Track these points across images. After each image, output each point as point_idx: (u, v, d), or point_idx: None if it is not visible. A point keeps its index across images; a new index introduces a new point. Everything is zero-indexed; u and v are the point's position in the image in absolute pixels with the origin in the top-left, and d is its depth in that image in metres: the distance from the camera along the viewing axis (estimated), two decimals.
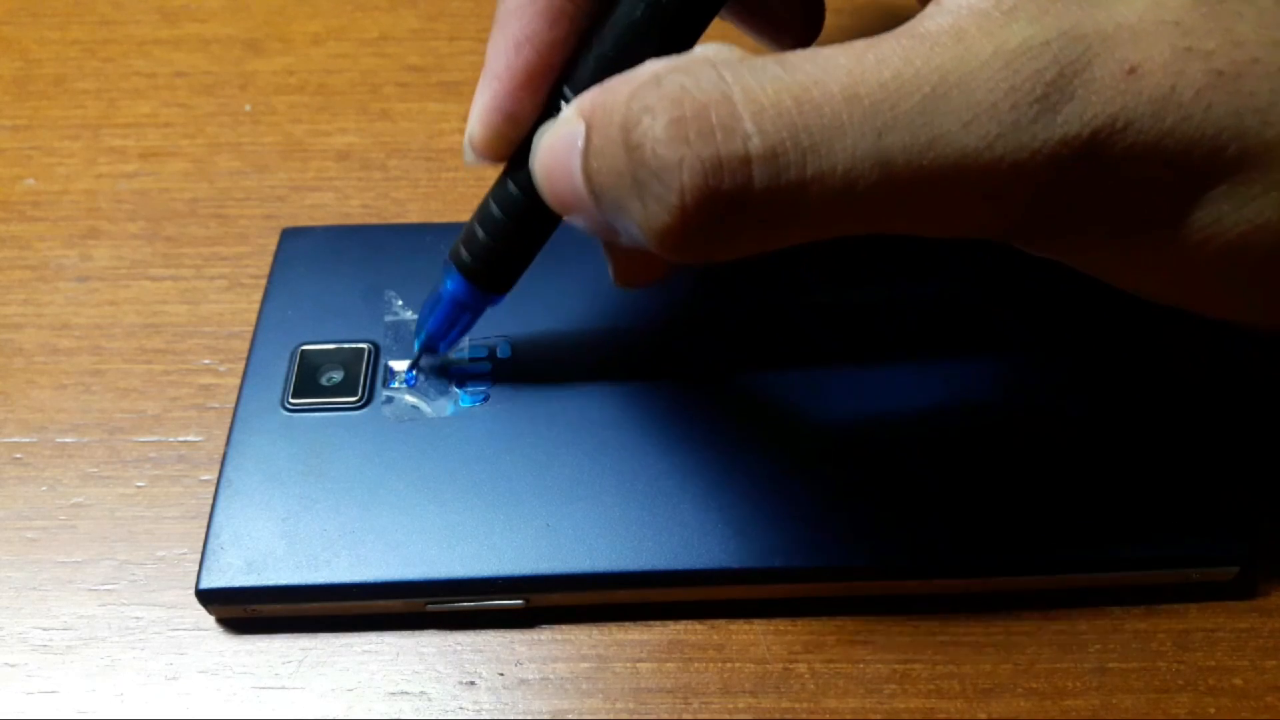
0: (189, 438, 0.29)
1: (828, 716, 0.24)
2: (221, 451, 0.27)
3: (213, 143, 0.36)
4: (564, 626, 0.26)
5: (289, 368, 0.28)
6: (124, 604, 0.26)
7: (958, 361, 0.28)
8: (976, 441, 0.26)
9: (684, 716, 0.24)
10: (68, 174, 0.35)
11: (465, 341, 0.28)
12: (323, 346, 0.29)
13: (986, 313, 0.29)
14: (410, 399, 0.28)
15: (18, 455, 0.28)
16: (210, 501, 0.26)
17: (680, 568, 0.25)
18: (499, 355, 0.28)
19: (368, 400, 0.28)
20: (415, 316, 0.29)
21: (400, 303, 0.29)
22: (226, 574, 0.25)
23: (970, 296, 0.29)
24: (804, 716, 0.24)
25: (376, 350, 0.28)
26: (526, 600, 0.25)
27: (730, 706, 0.25)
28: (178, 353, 0.30)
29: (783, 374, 0.28)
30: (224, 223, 0.34)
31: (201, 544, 0.25)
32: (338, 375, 0.28)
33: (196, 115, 0.37)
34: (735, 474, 0.26)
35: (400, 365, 0.28)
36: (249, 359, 0.29)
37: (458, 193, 0.35)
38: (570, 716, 0.24)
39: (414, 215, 0.34)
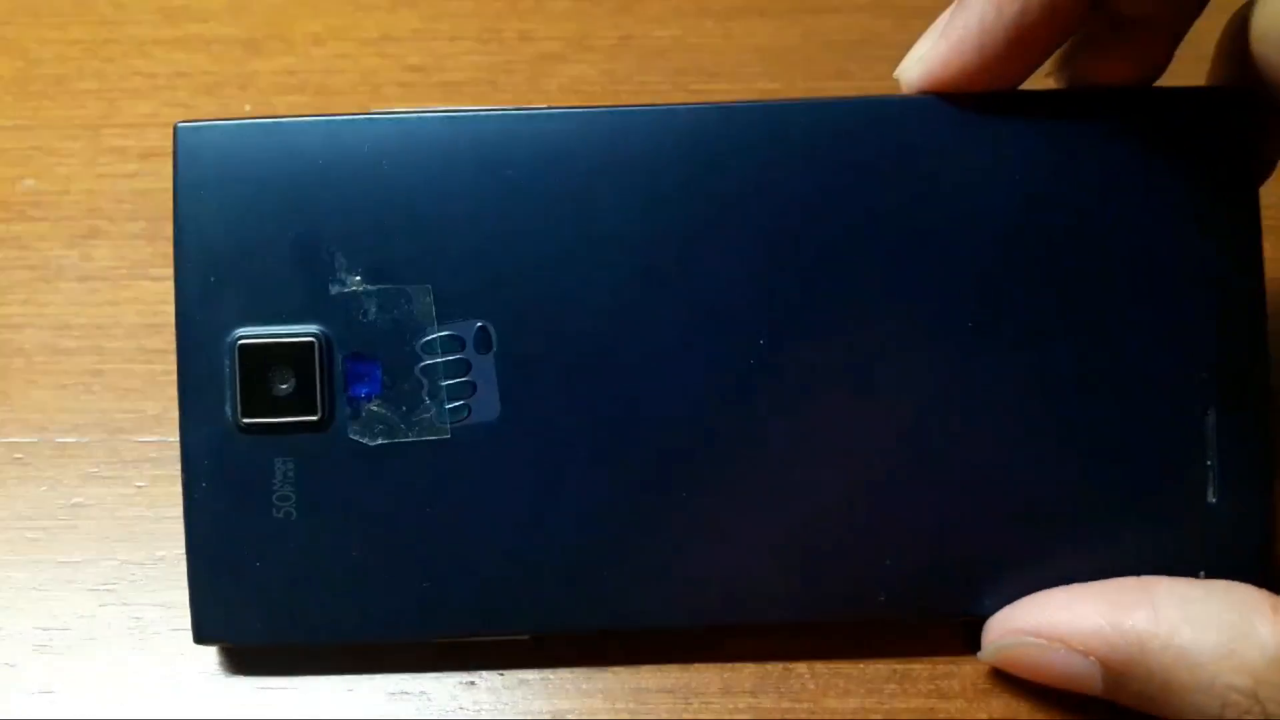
0: None
1: (828, 716, 0.24)
2: None
3: None
4: (551, 700, 0.25)
5: (230, 369, 0.24)
6: (124, 604, 0.26)
7: (953, 402, 0.24)
8: (1016, 470, 0.24)
9: (684, 716, 0.24)
10: (68, 174, 0.35)
11: (432, 322, 0.24)
12: (263, 340, 0.24)
13: (984, 339, 0.25)
14: (378, 410, 0.24)
15: (18, 455, 0.28)
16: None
17: (692, 623, 0.24)
18: (475, 350, 0.24)
19: (329, 415, 0.24)
20: (370, 287, 0.24)
21: (346, 262, 0.24)
22: (217, 632, 0.24)
23: (966, 329, 0.25)
24: (804, 716, 0.24)
25: (329, 344, 0.24)
26: (532, 634, 0.25)
27: (730, 706, 0.24)
28: None
29: (811, 384, 0.24)
30: None
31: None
32: (288, 382, 0.24)
33: (197, 115, 0.37)
34: (750, 516, 0.24)
35: (360, 366, 0.24)
36: (179, 354, 0.24)
37: None
38: (570, 716, 0.24)
39: None
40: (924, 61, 0.24)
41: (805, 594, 0.24)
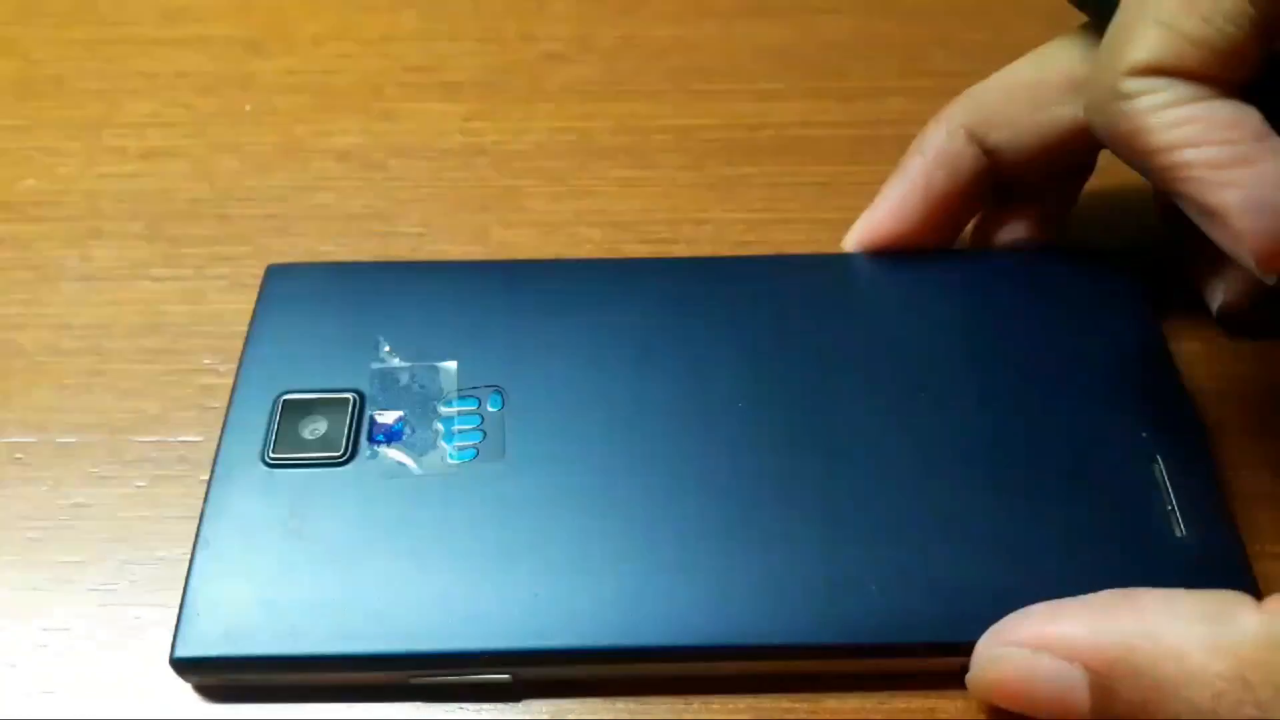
0: (189, 437, 0.29)
1: (828, 716, 0.24)
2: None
3: (214, 143, 0.36)
4: (552, 700, 0.25)
5: (270, 418, 0.27)
6: (124, 604, 0.26)
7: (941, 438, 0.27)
8: (996, 516, 0.26)
9: (684, 717, 0.24)
10: (69, 174, 0.35)
11: (454, 391, 0.28)
12: (306, 396, 0.27)
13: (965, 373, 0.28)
14: (396, 454, 0.26)
15: (18, 455, 0.28)
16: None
17: (675, 644, 0.24)
18: (489, 407, 0.27)
19: (352, 454, 0.26)
20: (404, 364, 0.28)
21: (388, 349, 0.28)
22: (203, 643, 0.24)
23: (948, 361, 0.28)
24: (804, 716, 0.24)
25: (362, 400, 0.27)
26: (513, 675, 0.24)
27: (730, 706, 0.24)
28: (178, 352, 0.30)
29: (785, 436, 0.27)
30: (225, 223, 0.34)
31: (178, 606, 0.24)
32: (321, 427, 0.27)
33: (198, 115, 0.37)
34: (734, 544, 0.25)
35: (386, 417, 0.27)
36: (229, 408, 0.27)
37: (459, 193, 0.35)
38: (571, 716, 0.24)
39: (415, 216, 0.34)
40: (858, 230, 0.30)
41: (795, 618, 0.24)
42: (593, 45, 0.39)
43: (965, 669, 0.24)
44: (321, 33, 0.40)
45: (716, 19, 0.40)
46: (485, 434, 0.27)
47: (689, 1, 0.41)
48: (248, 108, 0.37)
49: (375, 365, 0.28)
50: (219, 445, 0.27)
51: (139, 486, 0.28)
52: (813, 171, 0.35)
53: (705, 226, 0.34)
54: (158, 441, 0.29)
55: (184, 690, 0.25)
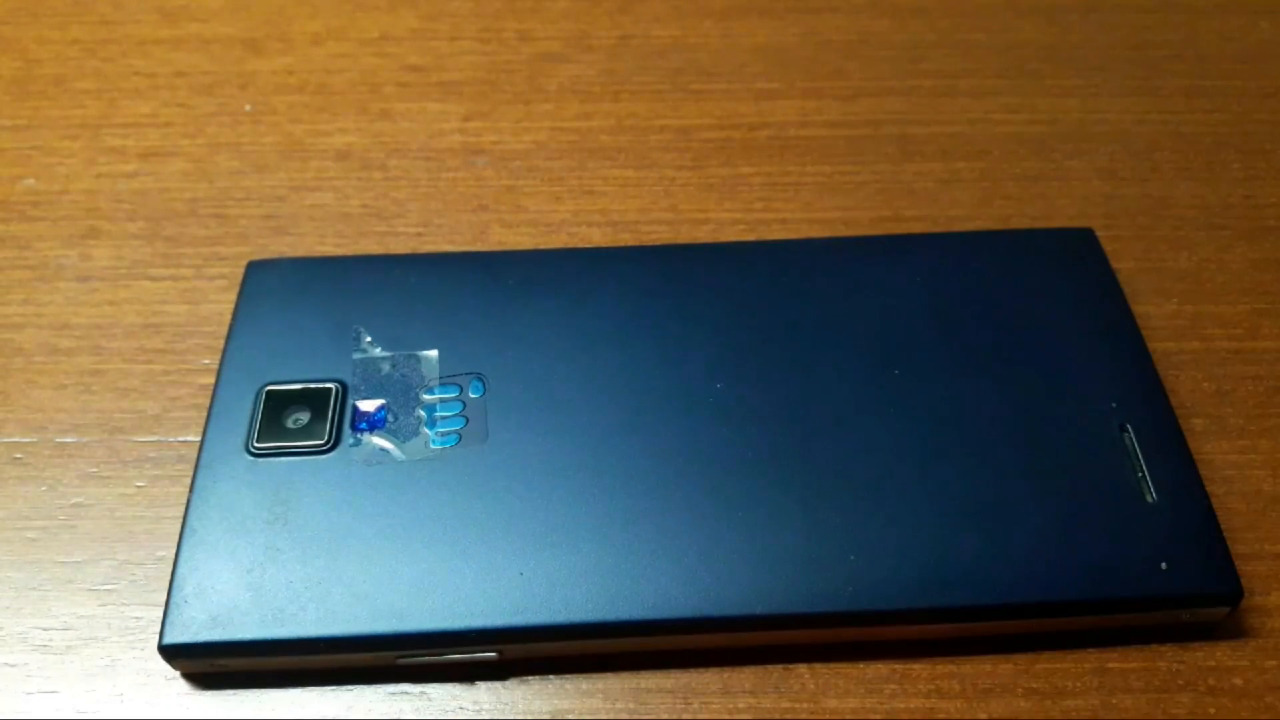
0: (189, 437, 0.29)
1: (828, 716, 0.24)
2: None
3: (213, 142, 0.36)
4: (540, 678, 0.25)
5: (254, 409, 0.27)
6: (124, 604, 0.26)
7: (942, 404, 0.27)
8: (972, 485, 0.26)
9: (684, 716, 0.24)
10: (68, 174, 0.35)
11: (435, 379, 0.28)
12: (289, 386, 0.28)
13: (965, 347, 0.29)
14: (379, 441, 0.27)
15: (18, 455, 0.28)
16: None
17: (658, 617, 0.24)
18: (470, 394, 0.28)
19: (335, 443, 0.27)
20: (385, 354, 0.28)
21: (370, 339, 0.29)
22: (190, 629, 0.24)
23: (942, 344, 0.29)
24: (804, 716, 0.24)
25: (344, 390, 0.28)
26: (500, 653, 0.24)
27: (730, 706, 0.25)
28: (177, 352, 0.30)
29: (763, 414, 0.27)
30: (224, 222, 0.34)
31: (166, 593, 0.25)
32: (304, 417, 0.27)
33: (196, 115, 0.37)
34: (715, 519, 0.25)
35: (369, 405, 0.27)
36: (213, 400, 0.28)
37: (457, 193, 0.35)
38: (570, 716, 0.24)
39: (414, 215, 0.34)
40: None
41: (775, 589, 0.25)
42: (591, 45, 0.39)
43: (945, 637, 0.25)
44: (320, 32, 0.40)
45: (715, 19, 0.40)
46: (468, 420, 0.27)
47: (687, 1, 0.41)
48: (246, 107, 0.37)
49: (357, 355, 0.28)
50: (203, 437, 0.27)
51: (138, 486, 0.28)
52: (811, 171, 0.35)
53: (704, 226, 0.34)
54: (157, 441, 0.29)
55: (184, 690, 0.25)
